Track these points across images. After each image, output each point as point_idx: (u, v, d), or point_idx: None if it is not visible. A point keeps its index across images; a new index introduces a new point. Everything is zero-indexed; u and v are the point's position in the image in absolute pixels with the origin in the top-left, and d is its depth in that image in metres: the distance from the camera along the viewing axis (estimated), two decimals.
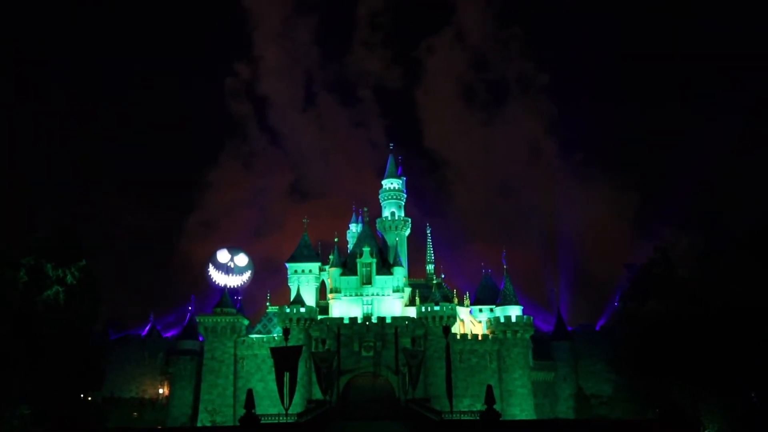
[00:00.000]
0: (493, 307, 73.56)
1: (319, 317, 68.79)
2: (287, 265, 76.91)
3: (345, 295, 72.75)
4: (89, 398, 65.53)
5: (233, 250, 76.11)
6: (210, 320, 70.45)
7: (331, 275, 73.86)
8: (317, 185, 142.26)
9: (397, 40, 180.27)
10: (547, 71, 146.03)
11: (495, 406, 36.98)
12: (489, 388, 38.18)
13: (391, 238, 77.50)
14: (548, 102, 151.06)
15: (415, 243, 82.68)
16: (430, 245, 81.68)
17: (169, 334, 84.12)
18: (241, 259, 76.21)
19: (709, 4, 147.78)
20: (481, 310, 74.72)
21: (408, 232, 79.57)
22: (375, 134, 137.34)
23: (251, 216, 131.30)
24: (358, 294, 72.68)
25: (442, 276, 78.11)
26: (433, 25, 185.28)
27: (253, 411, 36.42)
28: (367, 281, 72.94)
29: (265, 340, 70.58)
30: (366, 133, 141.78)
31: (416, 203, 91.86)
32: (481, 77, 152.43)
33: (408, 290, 73.92)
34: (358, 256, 73.66)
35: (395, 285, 72.77)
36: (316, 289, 76.41)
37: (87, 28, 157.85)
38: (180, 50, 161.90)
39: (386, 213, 79.69)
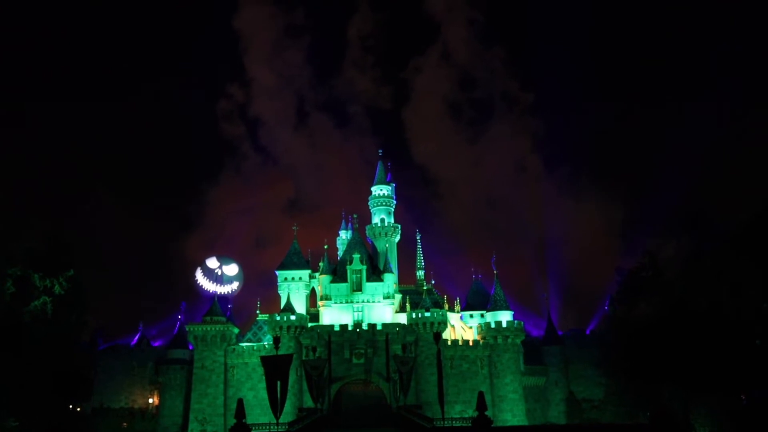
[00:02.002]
0: (483, 312, 73.53)
1: (310, 325, 68.55)
2: (277, 272, 76.61)
3: (335, 302, 72.61)
4: (78, 409, 65.02)
5: (224, 259, 75.95)
6: (200, 329, 70.13)
7: (321, 282, 73.67)
8: (311, 199, 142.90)
9: (386, 60, 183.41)
10: (531, 89, 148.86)
11: (487, 412, 36.89)
12: (480, 394, 38.03)
13: (381, 245, 77.39)
14: (533, 118, 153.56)
15: (405, 249, 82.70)
16: (420, 251, 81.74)
17: (158, 344, 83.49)
18: (231, 269, 76.00)
19: (688, 9, 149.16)
20: (471, 316, 74.68)
21: (398, 238, 79.47)
22: (366, 151, 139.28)
23: (247, 231, 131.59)
24: (349, 301, 72.56)
25: (433, 282, 78.04)
26: (420, 46, 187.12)
27: (243, 420, 36.16)
28: (358, 288, 72.82)
29: (255, 348, 70.29)
30: (357, 150, 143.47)
31: (406, 210, 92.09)
32: (467, 96, 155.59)
33: (398, 297, 73.85)
34: (348, 263, 73.55)
35: (385, 291, 72.69)
36: (307, 296, 76.15)
37: (85, 35, 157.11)
38: (172, 71, 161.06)
39: (376, 219, 79.52)
